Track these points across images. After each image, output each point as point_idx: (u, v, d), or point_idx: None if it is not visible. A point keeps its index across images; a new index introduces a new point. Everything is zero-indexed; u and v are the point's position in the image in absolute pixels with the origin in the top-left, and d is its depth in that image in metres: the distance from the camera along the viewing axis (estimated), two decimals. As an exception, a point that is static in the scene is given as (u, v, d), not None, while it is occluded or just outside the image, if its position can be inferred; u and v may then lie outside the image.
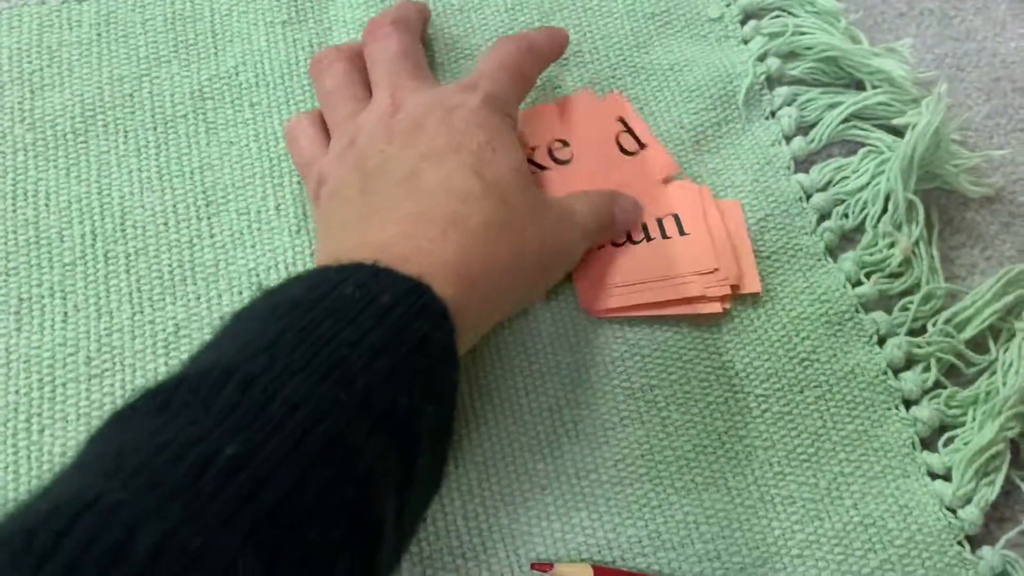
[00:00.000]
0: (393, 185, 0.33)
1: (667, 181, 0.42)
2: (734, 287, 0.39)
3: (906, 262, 0.41)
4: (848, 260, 0.41)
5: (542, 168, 0.41)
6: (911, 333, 0.40)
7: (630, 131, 0.43)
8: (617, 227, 0.39)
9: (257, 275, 0.39)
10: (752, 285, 0.40)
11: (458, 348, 0.29)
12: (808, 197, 0.43)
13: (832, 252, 0.42)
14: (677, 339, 0.39)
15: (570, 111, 0.43)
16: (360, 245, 0.31)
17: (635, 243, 0.40)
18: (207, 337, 0.36)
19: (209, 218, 0.40)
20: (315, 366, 0.24)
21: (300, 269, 0.39)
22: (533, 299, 0.38)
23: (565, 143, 0.42)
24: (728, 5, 0.48)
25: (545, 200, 0.36)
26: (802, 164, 0.44)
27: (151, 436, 0.22)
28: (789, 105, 0.45)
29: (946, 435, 0.38)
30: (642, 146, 0.43)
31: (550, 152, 0.42)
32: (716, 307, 0.39)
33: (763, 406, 0.38)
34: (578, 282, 0.39)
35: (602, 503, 0.36)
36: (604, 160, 0.42)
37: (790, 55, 0.46)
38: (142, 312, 0.38)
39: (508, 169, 0.34)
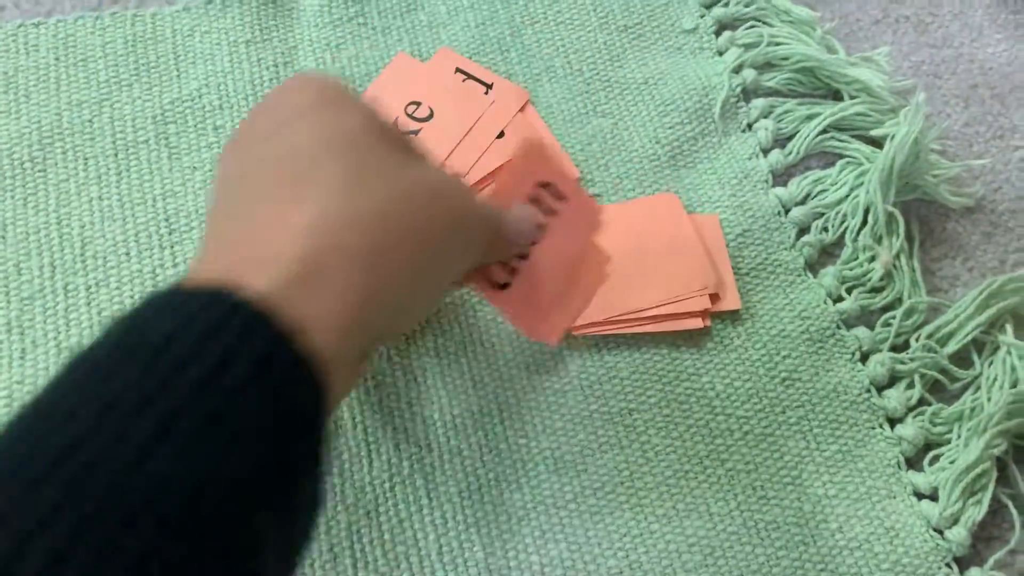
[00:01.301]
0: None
1: (523, 109, 0.43)
2: (714, 297, 0.38)
3: (887, 275, 0.40)
4: (828, 275, 0.41)
5: (414, 133, 0.42)
6: (894, 348, 0.39)
7: (471, 76, 0.43)
8: (511, 238, 0.33)
9: (222, 305, 0.38)
10: (732, 302, 0.39)
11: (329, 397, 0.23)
12: (787, 211, 0.42)
13: (812, 267, 0.41)
14: (656, 360, 0.38)
15: (404, 79, 0.43)
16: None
17: None
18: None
19: (172, 246, 0.39)
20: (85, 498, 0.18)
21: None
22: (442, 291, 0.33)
23: (418, 103, 0.42)
24: (702, 16, 0.47)
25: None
26: (780, 177, 0.43)
27: None
28: (766, 117, 0.44)
29: (931, 453, 0.37)
30: (489, 85, 0.43)
31: (408, 115, 0.42)
32: (698, 323, 0.38)
33: (744, 428, 0.37)
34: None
35: (581, 534, 0.35)
36: (463, 103, 0.43)
37: (766, 66, 0.46)
38: (103, 346, 0.36)
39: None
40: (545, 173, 0.34)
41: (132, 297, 0.37)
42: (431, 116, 0.42)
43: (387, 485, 0.35)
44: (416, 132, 0.42)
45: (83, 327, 0.37)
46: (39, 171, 0.40)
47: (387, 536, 0.34)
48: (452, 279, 0.30)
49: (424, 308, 0.33)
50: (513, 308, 0.33)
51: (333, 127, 0.26)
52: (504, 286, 0.33)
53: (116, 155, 0.40)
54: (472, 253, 0.30)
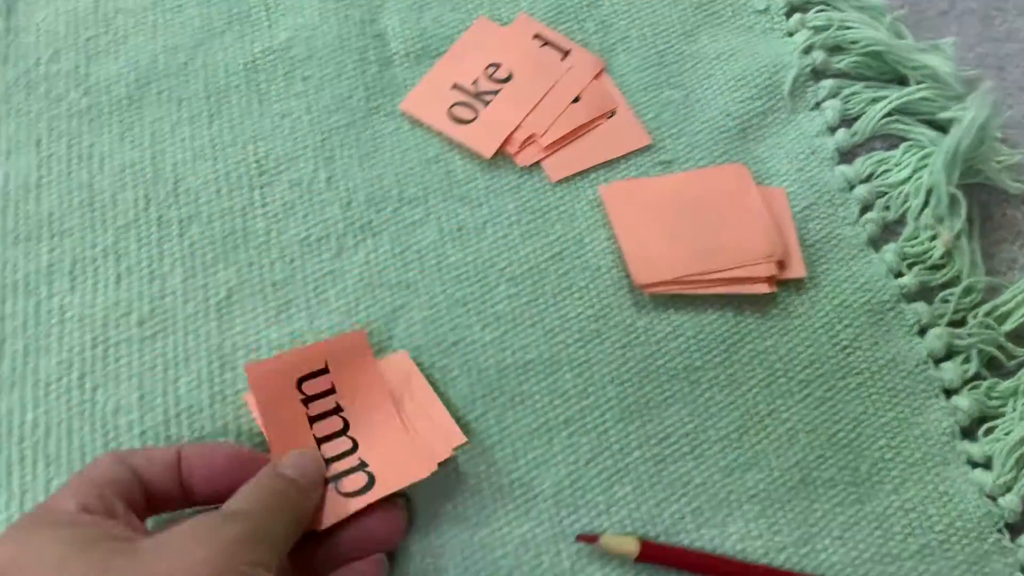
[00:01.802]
0: None
1: (598, 76, 0.44)
2: (780, 265, 0.40)
3: (947, 255, 0.42)
4: (890, 251, 0.42)
5: (493, 93, 0.43)
6: (951, 325, 0.40)
7: (549, 42, 0.45)
8: (302, 484, 0.31)
9: (309, 245, 0.39)
10: (797, 270, 0.40)
11: None
12: (851, 188, 0.43)
13: (874, 243, 0.42)
14: (721, 323, 0.39)
15: (485, 42, 0.45)
16: None
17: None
18: (260, 303, 0.37)
19: (261, 187, 0.40)
20: None
21: (349, 241, 0.39)
22: None
23: (497, 65, 0.44)
24: (774, -3, 0.48)
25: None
26: (845, 155, 0.45)
27: None
28: (833, 97, 0.46)
29: (986, 425, 0.38)
30: (566, 52, 0.45)
31: (488, 76, 0.43)
32: (764, 287, 0.39)
33: (805, 391, 0.38)
34: (629, 258, 0.39)
35: (645, 479, 0.36)
36: (541, 67, 0.44)
37: (835, 49, 0.47)
38: (194, 276, 0.38)
39: None
40: (294, 371, 0.34)
41: (223, 233, 0.39)
42: (510, 78, 0.44)
43: (460, 422, 0.36)
44: (496, 92, 0.43)
45: (175, 258, 0.38)
46: (135, 109, 0.41)
47: (461, 468, 0.35)
48: None
49: None
50: (394, 477, 0.33)
51: None
52: (366, 487, 0.33)
53: (208, 98, 0.42)
54: (271, 551, 0.28)
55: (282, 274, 0.38)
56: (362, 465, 0.33)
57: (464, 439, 0.34)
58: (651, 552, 0.34)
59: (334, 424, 0.34)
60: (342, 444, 0.34)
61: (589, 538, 0.34)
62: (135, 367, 0.36)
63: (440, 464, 0.34)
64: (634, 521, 0.35)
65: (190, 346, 0.37)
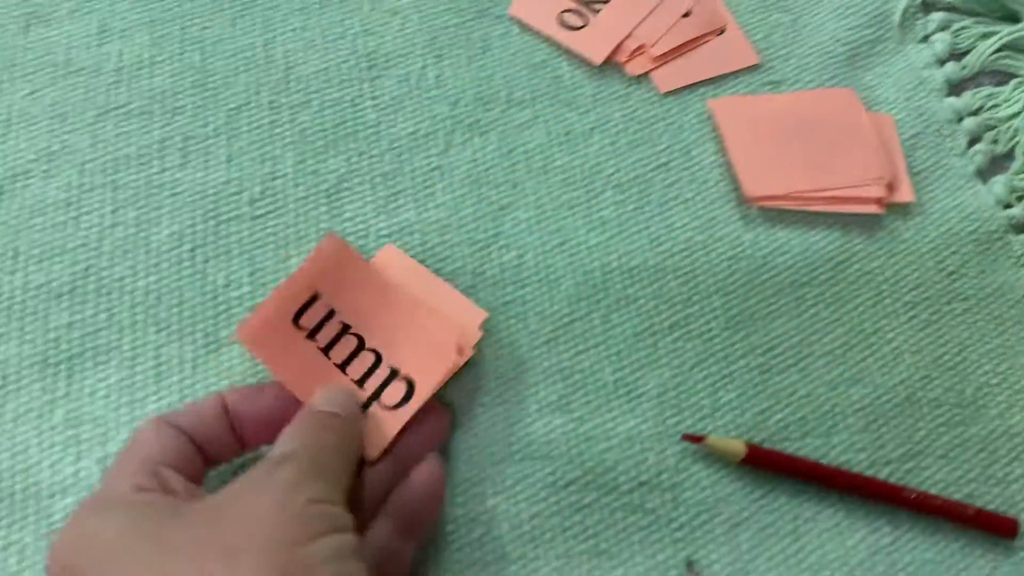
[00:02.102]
0: None
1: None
2: (889, 187, 0.39)
3: (1057, 191, 0.41)
4: (999, 183, 0.41)
5: (603, 2, 0.42)
6: (1058, 260, 0.40)
7: None
8: (342, 415, 0.30)
9: (417, 139, 0.39)
10: (906, 194, 0.40)
11: None
12: (960, 120, 0.43)
13: (982, 174, 0.42)
14: (828, 241, 0.39)
15: None
16: None
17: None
18: (368, 192, 0.37)
19: (372, 80, 0.40)
20: None
21: (457, 139, 0.39)
22: None
23: None
24: (885, -71, 0.47)
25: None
26: (954, 88, 0.44)
27: None
28: (943, 31, 0.45)
29: (1093, 358, 0.38)
30: None
31: (586, 4, 0.43)
32: (873, 208, 0.39)
33: (911, 312, 0.38)
34: (740, 170, 0.39)
35: (750, 388, 0.36)
36: None
37: (946, -18, 0.46)
38: (305, 162, 0.38)
39: None
40: (285, 312, 0.32)
41: (333, 122, 0.39)
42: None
43: (565, 320, 0.36)
44: (606, 1, 0.43)
45: (286, 142, 0.38)
46: (247, -3, 0.41)
47: (566, 363, 0.35)
48: (338, 517, 0.26)
49: None
50: (429, 374, 0.31)
51: None
52: (408, 394, 0.31)
53: (319, -9, 0.42)
54: (330, 486, 0.27)
55: (391, 166, 0.38)
56: (394, 374, 0.32)
57: (484, 312, 0.33)
58: (757, 455, 0.34)
59: (349, 344, 0.32)
60: (365, 361, 0.32)
61: (695, 438, 0.34)
62: (246, 243, 0.36)
63: (475, 348, 0.33)
64: (739, 427, 0.35)
65: (300, 227, 0.37)
